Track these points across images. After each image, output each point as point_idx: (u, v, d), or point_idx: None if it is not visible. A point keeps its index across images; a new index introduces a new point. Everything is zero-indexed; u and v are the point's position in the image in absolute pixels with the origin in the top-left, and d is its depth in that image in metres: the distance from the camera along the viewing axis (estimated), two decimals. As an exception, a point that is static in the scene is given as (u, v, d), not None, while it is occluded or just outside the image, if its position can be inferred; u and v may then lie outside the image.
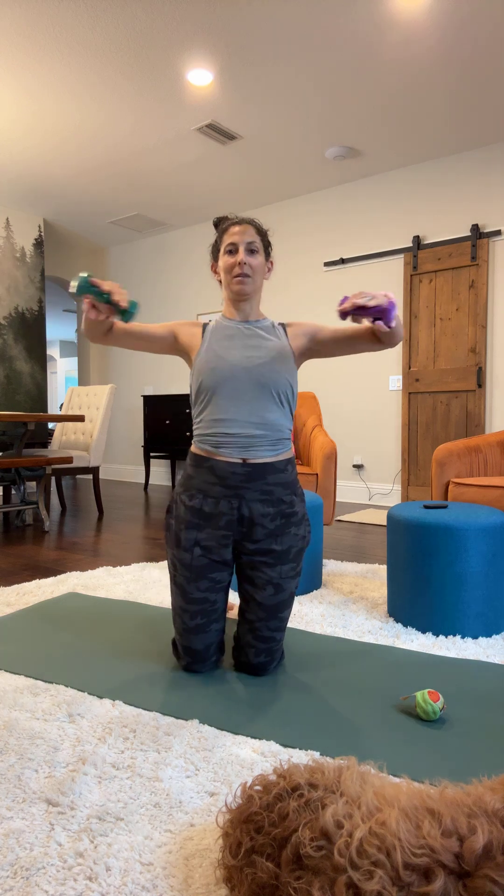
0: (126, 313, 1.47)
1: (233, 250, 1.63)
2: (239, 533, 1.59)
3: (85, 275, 1.46)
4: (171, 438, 5.94)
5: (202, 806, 1.06)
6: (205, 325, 1.71)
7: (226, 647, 1.83)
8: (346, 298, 1.44)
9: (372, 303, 1.40)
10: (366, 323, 1.43)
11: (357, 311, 1.43)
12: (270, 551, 1.59)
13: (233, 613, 2.13)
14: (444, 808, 0.75)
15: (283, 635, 1.63)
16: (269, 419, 1.60)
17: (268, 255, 1.69)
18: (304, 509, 1.66)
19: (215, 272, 1.72)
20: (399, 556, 2.03)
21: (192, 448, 1.66)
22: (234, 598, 2.34)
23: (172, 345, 1.72)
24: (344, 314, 1.43)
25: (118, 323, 1.66)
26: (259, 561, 1.59)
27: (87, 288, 1.45)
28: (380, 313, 1.42)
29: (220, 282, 1.69)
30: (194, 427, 1.67)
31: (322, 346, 1.70)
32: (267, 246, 1.69)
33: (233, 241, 1.62)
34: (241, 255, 1.61)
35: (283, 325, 1.72)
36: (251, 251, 1.63)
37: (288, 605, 1.62)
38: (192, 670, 1.63)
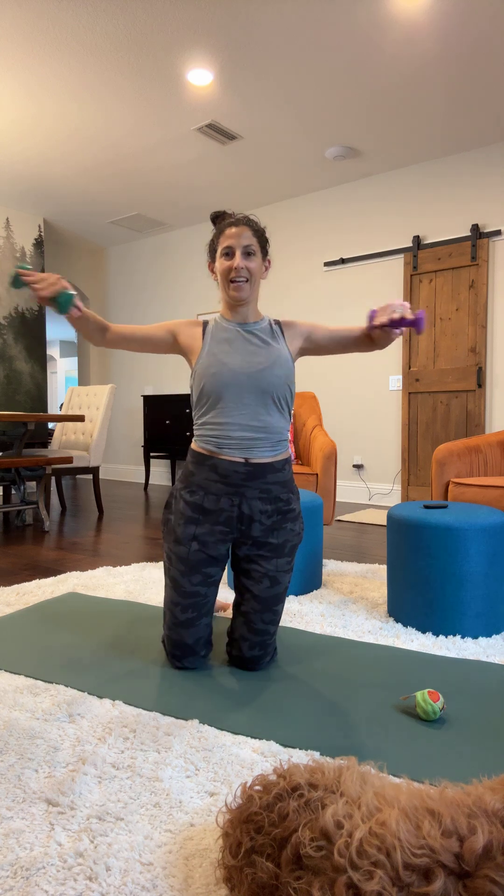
0: (59, 305, 1.44)
1: (229, 253, 1.62)
2: (237, 530, 1.62)
3: (20, 266, 1.43)
4: (171, 438, 5.94)
5: (202, 806, 1.06)
6: (205, 324, 1.71)
7: (216, 644, 1.85)
8: (374, 312, 1.53)
9: (398, 314, 1.49)
10: (394, 333, 1.58)
11: (391, 325, 1.50)
12: (267, 544, 1.63)
13: (227, 613, 2.13)
14: (445, 809, 0.75)
15: (276, 629, 1.67)
16: (269, 422, 1.62)
17: (265, 253, 1.69)
18: (300, 506, 1.71)
19: (212, 271, 1.71)
20: (399, 557, 2.03)
21: (193, 446, 1.67)
22: (225, 597, 2.34)
23: (172, 345, 1.73)
24: (375, 328, 1.53)
25: (113, 326, 1.67)
26: (256, 554, 1.63)
27: (21, 282, 1.43)
28: (411, 324, 1.49)
29: (217, 281, 1.70)
30: (196, 427, 1.68)
31: (317, 347, 1.75)
32: (264, 245, 1.68)
33: (229, 245, 1.61)
34: (238, 259, 1.60)
35: (280, 325, 1.72)
36: (248, 254, 1.62)
37: (281, 599, 1.66)
38: (181, 665, 1.65)
